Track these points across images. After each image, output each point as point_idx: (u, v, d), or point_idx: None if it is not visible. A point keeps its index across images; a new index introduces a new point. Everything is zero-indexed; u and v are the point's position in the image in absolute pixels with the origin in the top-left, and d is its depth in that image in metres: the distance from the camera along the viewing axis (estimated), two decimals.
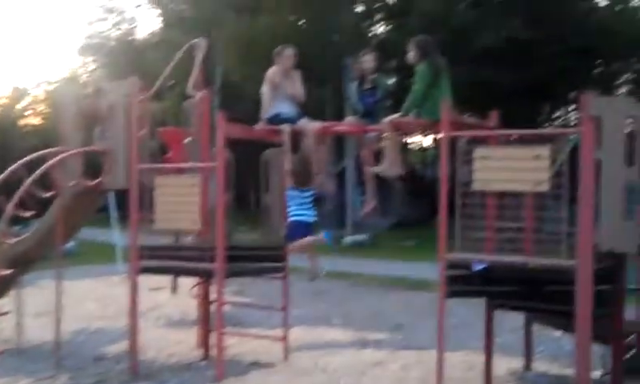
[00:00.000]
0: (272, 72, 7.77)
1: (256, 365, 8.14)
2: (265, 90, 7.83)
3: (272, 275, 8.51)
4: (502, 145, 6.37)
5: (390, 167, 7.18)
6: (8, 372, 7.95)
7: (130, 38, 54.59)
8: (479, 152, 5.98)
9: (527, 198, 6.42)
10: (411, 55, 7.07)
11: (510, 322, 9.15)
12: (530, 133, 6.10)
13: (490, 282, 6.12)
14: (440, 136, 6.43)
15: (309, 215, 7.57)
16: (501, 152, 6.00)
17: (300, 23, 31.71)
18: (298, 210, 7.47)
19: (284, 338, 8.25)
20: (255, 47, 27.59)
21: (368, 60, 7.69)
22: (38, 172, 8.12)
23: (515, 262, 6.02)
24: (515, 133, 6.57)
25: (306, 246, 7.71)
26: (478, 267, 5.98)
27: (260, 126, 7.76)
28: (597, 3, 37.67)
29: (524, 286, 5.99)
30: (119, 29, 55.35)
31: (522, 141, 6.17)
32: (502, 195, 6.47)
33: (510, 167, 5.86)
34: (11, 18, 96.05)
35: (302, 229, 7.53)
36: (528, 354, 7.71)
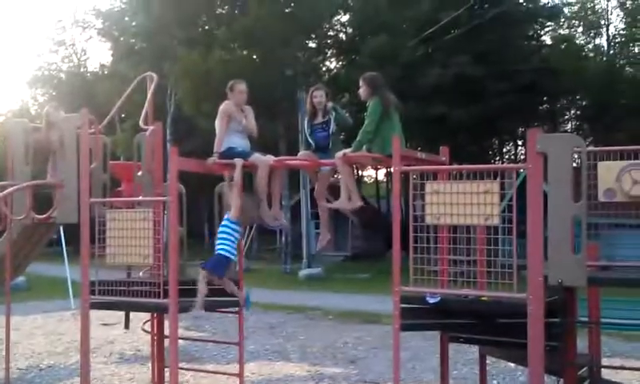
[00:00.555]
0: (224, 106, 7.77)
1: None
2: (217, 123, 7.81)
3: (226, 309, 8.44)
4: (453, 179, 6.47)
5: (347, 201, 7.22)
6: None
7: (81, 71, 54.21)
8: (430, 187, 6.07)
9: (478, 231, 6.52)
10: (361, 91, 7.16)
11: (465, 354, 9.24)
12: (479, 167, 6.19)
13: (444, 314, 6.18)
14: (391, 170, 6.50)
15: (235, 253, 7.45)
16: (451, 186, 6.09)
17: (253, 57, 31.83)
18: (231, 245, 7.33)
19: (240, 374, 8.17)
20: (208, 81, 27.61)
21: (319, 94, 7.74)
22: None
23: (468, 294, 6.10)
24: (465, 168, 6.68)
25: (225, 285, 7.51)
26: (432, 300, 6.03)
27: (213, 160, 7.74)
28: (542, 41, 38.79)
29: (477, 318, 6.06)
30: (70, 61, 54.93)
31: (472, 175, 6.26)
32: (454, 229, 6.56)
33: (460, 202, 5.95)
34: None
35: (226, 266, 7.39)
36: None
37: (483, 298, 5.99)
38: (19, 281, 15.59)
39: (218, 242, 7.25)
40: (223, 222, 7.30)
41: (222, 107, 7.69)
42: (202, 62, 29.44)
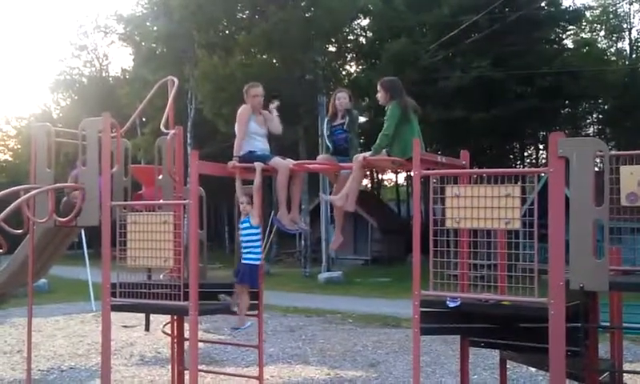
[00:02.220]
0: (241, 110, 7.78)
1: None
2: (236, 127, 7.84)
3: (246, 313, 8.45)
4: (474, 183, 6.45)
5: (343, 199, 7.20)
6: None
7: (102, 75, 54.66)
8: (451, 190, 6.05)
9: (499, 235, 6.49)
10: (379, 96, 7.16)
11: (485, 359, 9.18)
12: (500, 171, 6.16)
13: (464, 318, 6.16)
14: (411, 174, 6.50)
15: (260, 257, 7.47)
16: (472, 190, 6.07)
17: (273, 62, 31.92)
18: (258, 252, 7.36)
19: (259, 376, 8.18)
20: (228, 85, 27.72)
21: (340, 97, 7.74)
22: (9, 208, 8.02)
23: (488, 298, 6.07)
24: (486, 171, 6.65)
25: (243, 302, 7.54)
26: (452, 304, 6.01)
27: (233, 164, 7.76)
28: (564, 45, 38.53)
29: (498, 323, 6.04)
30: (92, 66, 55.39)
31: (493, 179, 6.23)
32: (474, 233, 6.53)
33: (481, 205, 5.93)
34: None
35: (256, 272, 7.43)
36: None
37: (504, 303, 5.96)
38: (41, 283, 15.76)
39: (244, 250, 7.29)
40: (246, 230, 7.30)
41: (239, 111, 7.72)
42: (222, 66, 29.57)
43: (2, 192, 8.68)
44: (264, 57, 31.94)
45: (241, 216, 7.36)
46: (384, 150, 6.96)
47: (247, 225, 7.26)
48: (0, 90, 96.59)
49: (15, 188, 8.82)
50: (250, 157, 7.59)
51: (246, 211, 7.26)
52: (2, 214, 7.90)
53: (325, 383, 9.36)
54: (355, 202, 7.23)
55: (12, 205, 8.06)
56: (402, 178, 49.15)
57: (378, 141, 6.91)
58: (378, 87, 7.11)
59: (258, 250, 7.32)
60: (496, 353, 7.71)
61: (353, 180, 7.16)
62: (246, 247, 7.24)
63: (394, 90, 7.02)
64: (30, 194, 8.20)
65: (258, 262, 7.29)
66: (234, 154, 7.64)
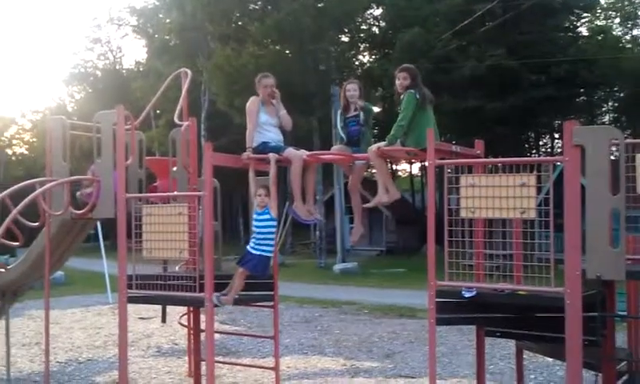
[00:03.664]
0: (250, 102, 7.77)
1: None
2: (247, 119, 7.83)
3: (262, 304, 8.48)
4: (489, 172, 6.42)
5: (385, 195, 7.19)
6: None
7: (116, 68, 54.84)
8: (466, 180, 6.03)
9: (515, 225, 6.46)
10: (398, 83, 7.11)
11: (502, 349, 9.16)
12: (515, 160, 6.13)
13: (480, 308, 6.14)
14: (426, 164, 6.47)
15: (273, 250, 7.46)
16: (487, 180, 6.04)
17: (286, 52, 31.89)
18: (271, 245, 7.36)
19: (275, 367, 8.21)
20: (241, 77, 27.73)
21: (352, 88, 7.72)
22: (25, 201, 8.08)
23: (504, 288, 6.05)
24: (501, 161, 6.61)
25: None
26: (468, 294, 5.99)
27: (247, 155, 7.76)
28: (579, 33, 38.21)
29: (514, 312, 6.01)
30: (106, 59, 55.60)
31: (508, 168, 6.20)
32: (489, 222, 6.51)
33: (496, 195, 5.91)
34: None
35: (268, 265, 7.43)
36: (520, 382, 7.69)
37: (520, 292, 5.93)
38: (58, 275, 15.87)
39: (257, 240, 7.26)
40: (264, 222, 7.29)
41: (248, 103, 7.71)
42: (235, 58, 29.60)
43: (18, 185, 8.75)
44: (277, 48, 31.95)
45: (255, 207, 7.35)
46: (398, 141, 6.94)
47: (267, 216, 7.25)
48: (15, 83, 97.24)
49: (31, 181, 8.88)
50: (264, 148, 7.59)
51: (265, 203, 7.24)
52: (19, 206, 7.96)
53: (341, 374, 9.37)
54: (394, 187, 7.25)
55: (28, 197, 8.12)
56: (416, 168, 49.02)
57: (393, 131, 6.88)
58: (402, 73, 7.04)
59: (273, 242, 7.33)
60: (512, 342, 7.70)
61: (380, 172, 7.18)
62: (260, 238, 7.23)
63: (412, 78, 6.99)
64: (45, 186, 8.25)
65: (271, 255, 7.30)
66: (247, 146, 7.64)
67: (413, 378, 8.88)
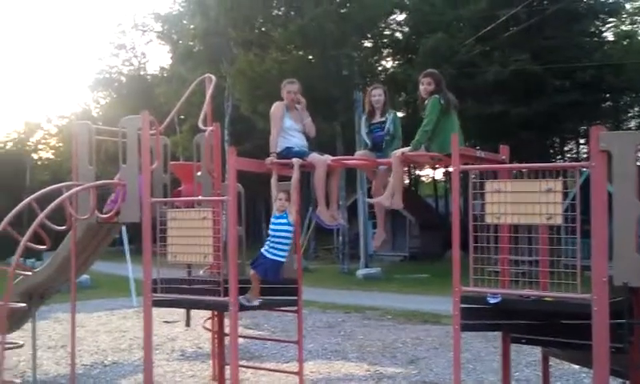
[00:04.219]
0: (273, 107, 7.80)
1: None
2: (273, 123, 7.85)
3: (285, 309, 8.48)
4: (514, 178, 6.38)
5: (389, 199, 7.17)
6: None
7: (141, 73, 55.25)
8: (491, 186, 6.00)
9: (541, 231, 6.41)
10: (423, 88, 7.10)
11: (527, 355, 9.09)
12: (541, 166, 6.09)
13: (505, 315, 6.10)
14: (451, 169, 6.45)
15: (287, 255, 7.46)
16: (513, 185, 6.01)
17: (309, 58, 31.94)
18: (286, 250, 7.37)
19: (299, 372, 8.20)
20: (264, 82, 27.83)
21: (377, 93, 7.71)
22: (52, 205, 8.17)
23: (530, 295, 6.00)
24: (527, 166, 6.57)
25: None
26: (493, 300, 5.95)
27: (270, 160, 7.79)
28: (604, 37, 37.86)
29: (539, 319, 5.97)
30: (130, 64, 56.04)
31: (534, 174, 6.16)
32: (515, 228, 6.47)
33: (522, 201, 5.88)
34: (24, 53, 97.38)
35: (280, 270, 7.44)
36: None
37: (546, 299, 5.88)
38: (83, 279, 16.00)
39: (271, 244, 7.28)
40: (282, 226, 7.31)
41: (272, 109, 7.75)
42: (258, 63, 29.69)
43: (45, 189, 8.85)
44: (300, 53, 31.98)
45: (275, 211, 7.38)
46: (422, 146, 6.93)
47: (285, 221, 7.27)
48: (42, 89, 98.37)
49: (57, 185, 8.98)
50: (288, 153, 7.61)
51: (284, 207, 7.27)
52: (45, 210, 8.04)
53: (364, 379, 9.35)
54: (402, 197, 7.21)
55: (55, 202, 8.21)
56: (439, 173, 48.84)
57: (417, 136, 6.87)
58: (426, 79, 7.03)
59: (288, 247, 7.35)
60: (538, 349, 7.63)
61: (395, 177, 7.14)
62: (275, 242, 7.25)
63: (437, 83, 6.98)
64: (72, 191, 8.34)
65: (284, 260, 7.31)
66: (271, 151, 7.67)
67: (437, 383, 8.84)
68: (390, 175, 7.45)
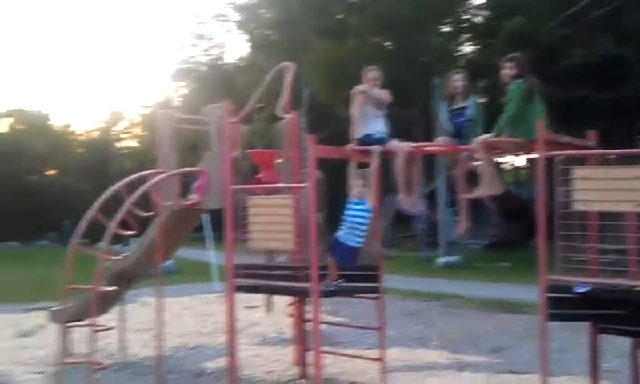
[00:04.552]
0: (356, 93, 7.78)
1: None
2: (354, 110, 7.84)
3: (366, 295, 8.46)
4: (600, 164, 6.19)
5: (488, 188, 7.06)
6: None
7: (220, 63, 55.98)
8: (579, 172, 5.83)
9: (629, 218, 6.20)
10: (504, 73, 6.95)
11: (617, 346, 8.79)
12: (629, 152, 5.90)
13: (593, 305, 5.92)
14: (535, 156, 6.31)
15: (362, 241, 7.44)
16: (601, 172, 5.83)
17: (387, 44, 31.73)
18: (362, 235, 7.35)
19: (381, 359, 8.19)
20: (342, 70, 27.78)
21: (457, 79, 7.60)
22: (138, 192, 8.40)
23: (620, 284, 5.82)
24: (616, 152, 6.35)
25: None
26: (581, 290, 5.79)
27: (351, 147, 7.78)
28: None
29: (629, 309, 5.78)
30: (209, 54, 56.86)
31: (621, 160, 5.96)
32: (602, 216, 6.28)
33: (610, 187, 5.70)
34: (110, 46, 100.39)
35: (356, 256, 7.42)
36: (637, 381, 7.36)
37: (636, 288, 5.69)
38: (168, 264, 16.36)
39: (348, 230, 7.30)
40: (359, 212, 7.31)
41: (352, 95, 7.75)
42: (335, 51, 29.68)
43: (130, 177, 9.10)
44: (377, 40, 31.79)
45: (352, 197, 7.40)
46: (505, 132, 6.79)
47: (362, 207, 7.27)
48: (125, 80, 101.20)
49: (143, 173, 9.23)
50: (369, 139, 7.61)
51: (362, 193, 7.28)
52: (131, 197, 8.28)
53: (447, 367, 9.25)
54: (498, 180, 7.12)
55: (141, 188, 8.44)
56: (521, 160, 47.81)
57: (500, 122, 6.75)
58: (509, 63, 6.89)
59: (363, 234, 7.34)
60: (628, 340, 7.39)
61: (484, 164, 7.04)
62: (353, 228, 7.27)
63: (521, 67, 6.82)
64: (157, 178, 8.56)
65: (359, 245, 7.31)
66: (352, 137, 7.67)
67: (524, 373, 8.65)
68: (472, 162, 7.34)
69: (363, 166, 7.70)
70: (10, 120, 61.55)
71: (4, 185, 52.66)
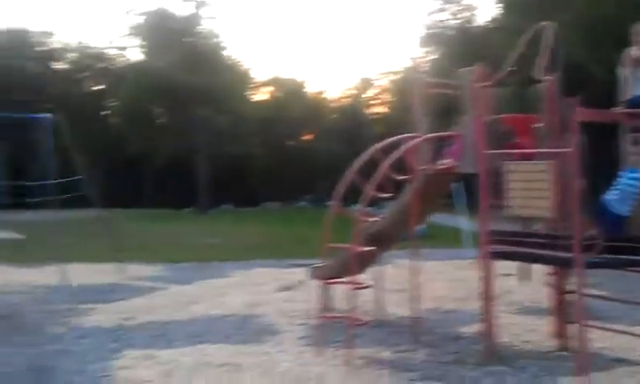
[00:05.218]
0: (628, 52, 7.26)
1: (622, 362, 7.64)
2: (624, 71, 7.31)
3: (632, 269, 7.88)
4: None
5: None
6: (372, 343, 8.63)
7: (468, 26, 54.99)
8: None
9: None
10: None
11: None
12: None
13: None
14: None
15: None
16: None
17: None
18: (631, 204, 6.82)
19: None
20: (601, 28, 26.04)
21: None
22: (394, 155, 8.56)
23: None
24: None
25: None
26: None
27: (619, 110, 7.27)
28: None
29: None
30: (458, 18, 56.07)
31: None
32: None
33: None
34: (357, 13, 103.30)
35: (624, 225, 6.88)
36: None
37: None
38: (420, 228, 16.55)
39: (619, 198, 6.86)
40: (632, 181, 6.86)
41: (623, 55, 7.25)
42: (594, 7, 27.84)
43: (388, 140, 9.29)
44: None
45: (629, 165, 6.93)
46: None
47: (637, 175, 6.80)
48: (375, 47, 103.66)
49: (397, 137, 9.39)
50: (638, 102, 7.08)
51: (637, 162, 6.82)
52: (388, 160, 8.46)
53: None
54: None
55: (397, 152, 8.60)
56: None
57: None
58: None
59: (634, 203, 6.86)
60: None
61: None
62: (625, 196, 6.82)
63: None
64: (413, 141, 8.69)
65: (628, 214, 6.84)
66: (620, 100, 7.20)
67: None
68: None
69: (637, 131, 7.18)
70: (270, 88, 65.83)
71: (268, 148, 56.64)
